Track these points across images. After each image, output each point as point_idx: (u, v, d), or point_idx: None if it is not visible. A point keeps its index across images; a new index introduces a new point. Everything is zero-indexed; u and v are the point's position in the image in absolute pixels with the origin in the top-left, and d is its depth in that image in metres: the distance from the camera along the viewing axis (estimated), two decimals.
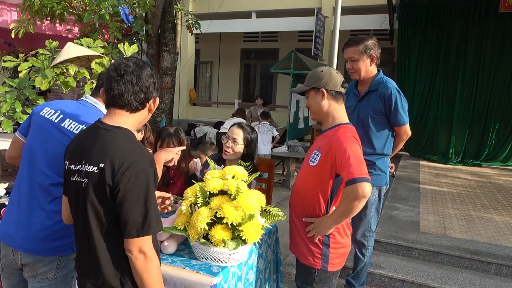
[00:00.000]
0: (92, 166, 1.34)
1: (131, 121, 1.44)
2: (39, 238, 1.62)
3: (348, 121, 2.01)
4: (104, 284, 1.38)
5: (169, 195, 2.06)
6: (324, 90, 1.95)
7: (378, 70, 2.67)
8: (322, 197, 1.90)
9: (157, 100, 1.50)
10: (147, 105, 1.46)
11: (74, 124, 1.67)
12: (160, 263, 1.46)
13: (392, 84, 2.63)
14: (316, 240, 1.93)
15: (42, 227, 1.62)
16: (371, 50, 2.55)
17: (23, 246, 1.63)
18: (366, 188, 1.69)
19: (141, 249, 1.31)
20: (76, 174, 1.38)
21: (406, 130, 2.68)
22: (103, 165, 1.31)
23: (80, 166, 1.37)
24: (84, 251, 1.42)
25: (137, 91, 1.40)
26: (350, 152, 1.76)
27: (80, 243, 1.44)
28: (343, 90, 1.99)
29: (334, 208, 1.91)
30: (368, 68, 2.59)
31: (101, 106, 1.74)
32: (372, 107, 2.62)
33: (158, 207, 1.88)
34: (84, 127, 1.63)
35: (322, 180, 1.89)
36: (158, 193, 1.98)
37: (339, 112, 1.98)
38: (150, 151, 2.95)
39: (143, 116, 1.48)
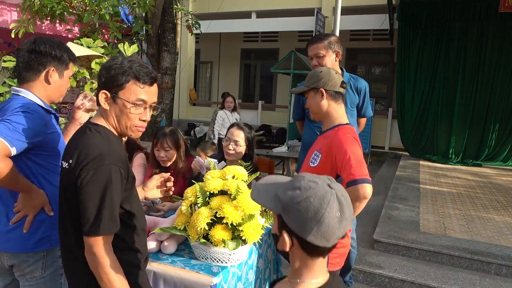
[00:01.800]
0: (65, 162, 1.36)
1: (103, 117, 1.42)
2: (15, 236, 1.63)
3: (348, 121, 2.00)
4: (74, 276, 1.41)
5: (168, 174, 1.88)
6: (323, 90, 1.94)
7: (341, 67, 2.73)
8: None
9: (98, 95, 1.38)
10: (99, 96, 1.38)
11: None
12: (145, 263, 1.48)
13: (360, 78, 2.81)
14: None
15: (15, 225, 1.63)
16: (335, 46, 2.60)
17: (4, 247, 1.65)
18: (367, 189, 1.69)
19: (90, 249, 1.27)
20: (61, 171, 1.42)
21: (365, 121, 2.97)
22: (71, 160, 1.32)
23: (62, 162, 1.40)
24: (63, 247, 1.44)
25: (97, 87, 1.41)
26: (350, 153, 1.76)
27: (60, 238, 1.45)
28: (342, 90, 1.99)
29: None
30: (334, 64, 2.63)
31: (26, 93, 1.64)
32: (350, 100, 2.68)
33: (159, 191, 1.80)
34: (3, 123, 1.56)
35: None
36: (156, 176, 1.86)
37: (338, 112, 1.98)
38: (142, 157, 2.93)
39: (117, 110, 1.38)
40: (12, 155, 1.49)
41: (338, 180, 1.86)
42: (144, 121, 1.42)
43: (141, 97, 1.38)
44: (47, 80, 1.68)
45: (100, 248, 1.27)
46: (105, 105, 1.38)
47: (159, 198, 1.98)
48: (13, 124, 1.50)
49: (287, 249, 1.04)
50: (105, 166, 1.28)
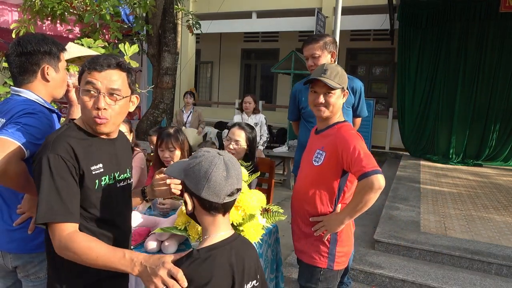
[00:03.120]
0: None
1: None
2: (19, 237, 1.64)
3: (344, 119, 2.04)
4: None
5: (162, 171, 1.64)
6: (347, 92, 1.98)
7: None
8: (329, 196, 1.90)
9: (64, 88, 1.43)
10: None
11: None
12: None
13: (355, 78, 2.81)
14: (325, 239, 1.91)
15: (20, 226, 1.63)
16: (330, 46, 2.62)
17: (8, 247, 1.64)
18: (380, 180, 1.70)
19: (50, 234, 1.28)
20: None
21: (360, 121, 2.96)
22: None
23: None
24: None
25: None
26: (359, 148, 1.77)
27: None
28: None
29: (340, 206, 1.91)
30: None
31: (27, 93, 1.65)
32: (346, 100, 2.66)
33: (166, 190, 1.53)
34: (3, 120, 1.58)
35: (328, 178, 1.89)
36: (157, 176, 1.63)
37: (340, 111, 2.03)
38: (141, 158, 2.91)
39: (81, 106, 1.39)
40: (25, 158, 1.49)
41: (345, 177, 1.87)
42: (98, 109, 1.33)
43: (88, 80, 1.33)
44: (44, 78, 1.67)
45: (57, 236, 1.26)
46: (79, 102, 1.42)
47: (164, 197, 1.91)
48: (25, 127, 1.50)
49: (191, 208, 1.24)
50: (45, 155, 1.28)
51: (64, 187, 1.28)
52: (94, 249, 1.23)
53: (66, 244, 1.24)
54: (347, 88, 2.01)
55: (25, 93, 1.65)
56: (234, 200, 1.25)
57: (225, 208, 1.23)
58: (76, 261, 1.25)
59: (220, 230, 1.24)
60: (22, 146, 1.46)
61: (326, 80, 1.88)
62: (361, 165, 1.72)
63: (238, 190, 1.24)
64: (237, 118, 5.50)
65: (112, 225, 1.47)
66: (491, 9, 7.49)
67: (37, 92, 1.67)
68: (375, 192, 1.71)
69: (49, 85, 1.69)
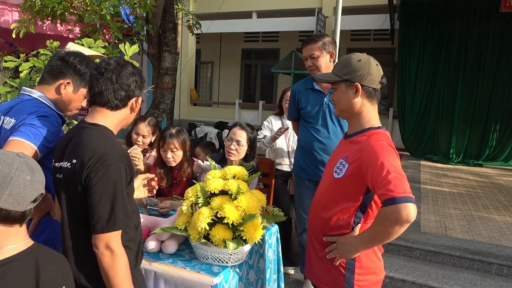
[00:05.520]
0: (67, 162, 1.37)
1: (111, 120, 1.45)
2: None
3: (380, 125, 1.65)
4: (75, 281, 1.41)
5: (153, 175, 1.84)
6: (359, 86, 1.58)
7: None
8: (349, 215, 1.60)
9: (140, 99, 1.49)
10: (129, 103, 1.46)
11: (7, 120, 1.63)
12: (159, 263, 1.47)
13: None
14: (337, 264, 1.61)
15: None
16: (329, 46, 2.60)
17: None
18: (411, 211, 1.35)
19: (108, 245, 1.30)
20: (58, 172, 1.41)
21: None
22: (75, 160, 1.34)
23: (61, 163, 1.40)
24: (63, 247, 1.44)
25: (117, 88, 1.41)
26: (388, 165, 1.43)
27: (62, 239, 1.46)
28: (379, 87, 1.65)
29: (359, 226, 1.60)
30: (328, 65, 2.61)
31: (38, 94, 1.69)
32: None
33: (146, 189, 1.79)
34: (14, 120, 1.59)
35: (349, 194, 1.58)
36: (142, 176, 1.82)
37: (371, 113, 1.63)
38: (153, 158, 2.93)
39: (124, 115, 1.48)
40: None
41: (370, 195, 1.56)
42: None
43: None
44: (58, 90, 1.71)
45: (117, 244, 1.31)
46: (129, 110, 1.48)
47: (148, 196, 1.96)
48: (39, 130, 1.53)
49: None
50: (114, 165, 1.32)
51: (126, 195, 1.37)
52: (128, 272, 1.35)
53: (117, 250, 1.31)
54: (363, 78, 1.59)
55: (35, 94, 1.68)
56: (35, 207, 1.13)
57: (24, 217, 1.10)
58: (104, 266, 1.31)
59: (15, 241, 1.08)
60: (37, 150, 1.49)
61: (317, 75, 1.82)
62: (387, 188, 1.38)
63: (42, 194, 1.13)
64: (276, 125, 3.52)
65: (138, 216, 1.57)
66: (491, 9, 7.49)
67: (49, 96, 1.70)
68: (402, 225, 1.36)
69: (59, 97, 1.74)
